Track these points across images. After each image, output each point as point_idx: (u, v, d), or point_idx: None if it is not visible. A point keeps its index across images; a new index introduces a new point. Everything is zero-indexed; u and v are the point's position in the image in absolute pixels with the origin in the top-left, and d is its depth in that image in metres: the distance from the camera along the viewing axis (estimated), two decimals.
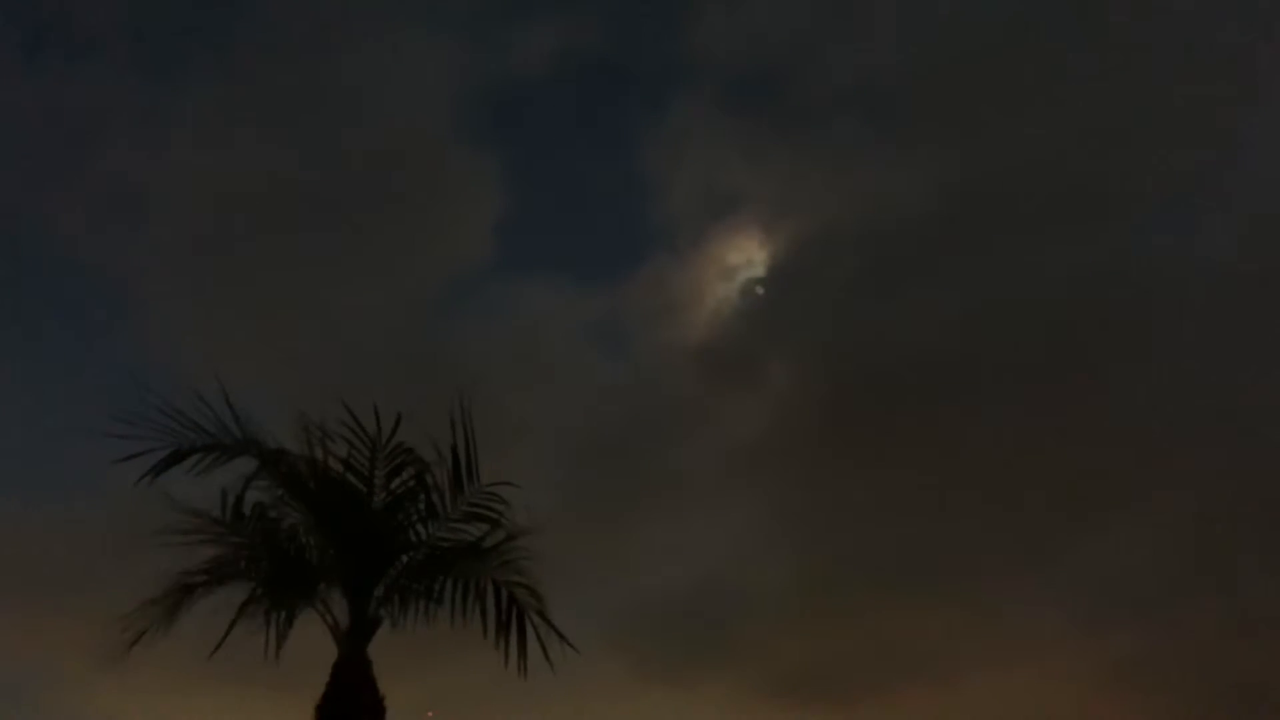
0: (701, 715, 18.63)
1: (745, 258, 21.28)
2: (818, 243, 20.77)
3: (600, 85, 21.26)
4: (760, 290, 20.92)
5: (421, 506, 8.07)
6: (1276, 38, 18.04)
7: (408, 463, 7.91)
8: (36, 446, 17.46)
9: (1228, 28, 18.33)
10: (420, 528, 8.16)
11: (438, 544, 8.17)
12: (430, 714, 9.55)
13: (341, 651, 7.79)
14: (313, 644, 7.85)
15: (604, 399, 20.20)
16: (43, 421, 18.04)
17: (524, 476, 8.19)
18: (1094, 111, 18.96)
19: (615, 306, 21.51)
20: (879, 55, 19.89)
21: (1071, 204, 19.08)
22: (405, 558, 8.13)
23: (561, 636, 7.58)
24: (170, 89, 19.94)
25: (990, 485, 17.86)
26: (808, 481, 19.04)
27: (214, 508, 8.03)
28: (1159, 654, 16.03)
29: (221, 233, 19.35)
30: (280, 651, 7.86)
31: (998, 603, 17.29)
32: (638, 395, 20.31)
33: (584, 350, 20.98)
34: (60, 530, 14.67)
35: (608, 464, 18.79)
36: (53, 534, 14.68)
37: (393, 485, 8.00)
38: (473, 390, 7.84)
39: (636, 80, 21.39)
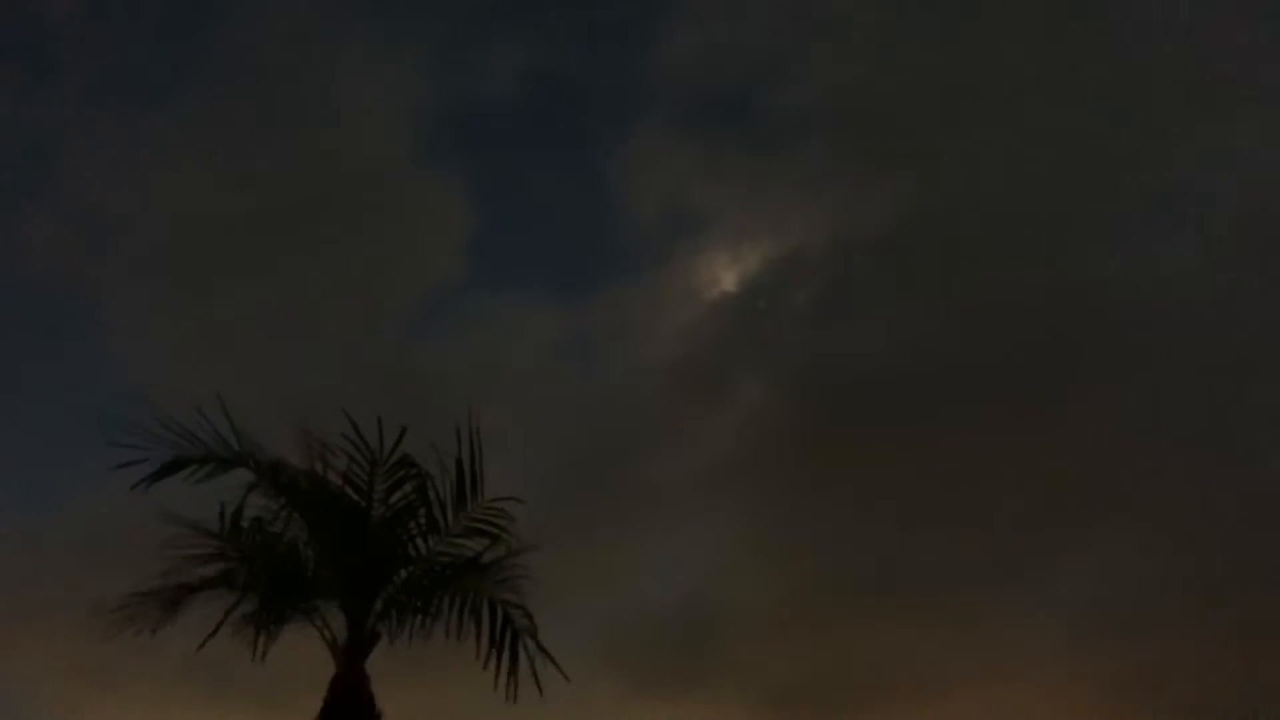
0: None
1: (715, 276, 21.50)
2: (787, 261, 21.02)
3: (568, 104, 21.36)
4: (762, 305, 21.01)
5: (422, 521, 8.02)
6: (1252, 48, 18.30)
7: (408, 477, 7.86)
8: (19, 457, 17.31)
9: (1201, 41, 18.61)
10: (420, 542, 8.10)
11: (437, 559, 8.12)
12: None
13: (339, 667, 7.72)
14: (310, 660, 7.78)
15: (576, 416, 20.23)
16: (23, 434, 17.83)
17: (499, 493, 8.15)
18: (1061, 127, 19.23)
19: (588, 324, 21.54)
20: (843, 76, 20.10)
21: (1040, 221, 19.31)
22: (404, 572, 8.07)
23: (553, 661, 7.50)
24: (137, 108, 19.80)
25: (975, 500, 17.96)
26: (787, 498, 19.04)
27: (210, 521, 7.96)
28: (1151, 668, 16.07)
29: (190, 253, 19.28)
30: (269, 663, 7.83)
31: (987, 617, 17.33)
32: (609, 412, 20.32)
33: (556, 367, 20.98)
34: (44, 544, 14.53)
35: (582, 480, 18.71)
36: (36, 549, 14.54)
37: (392, 499, 7.95)
38: (448, 408, 7.85)
39: (603, 100, 21.49)
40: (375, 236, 20.03)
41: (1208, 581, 15.86)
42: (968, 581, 17.23)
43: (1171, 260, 19.11)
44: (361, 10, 20.08)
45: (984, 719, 18.04)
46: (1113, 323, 18.31)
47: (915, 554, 17.51)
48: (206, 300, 19.11)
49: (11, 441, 17.52)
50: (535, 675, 7.42)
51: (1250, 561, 15.63)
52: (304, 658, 7.86)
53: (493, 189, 20.72)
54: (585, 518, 17.09)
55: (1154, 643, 16.23)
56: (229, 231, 19.05)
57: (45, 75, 19.41)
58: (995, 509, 17.87)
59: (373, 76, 19.72)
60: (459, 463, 7.82)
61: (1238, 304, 17.93)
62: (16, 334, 18.99)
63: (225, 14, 19.50)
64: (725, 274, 21.44)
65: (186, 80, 19.70)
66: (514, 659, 7.46)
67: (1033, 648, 16.85)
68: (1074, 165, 19.18)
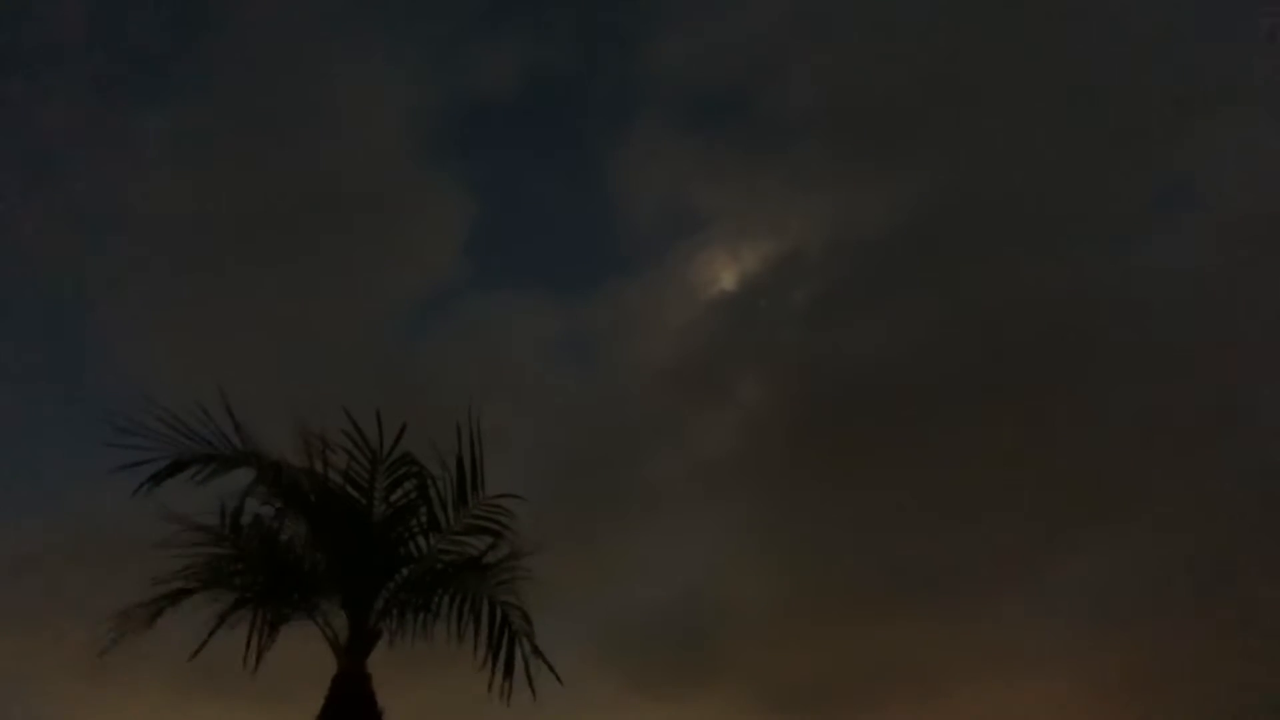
0: None
1: (714, 275, 21.60)
2: (786, 260, 21.17)
3: (567, 104, 21.53)
4: (761, 304, 21.04)
5: (423, 519, 8.03)
6: (1254, 46, 18.31)
7: (409, 475, 7.88)
8: (20, 456, 17.34)
9: (1193, 43, 18.67)
10: (421, 540, 8.11)
11: (438, 557, 8.12)
12: None
13: (340, 665, 7.72)
14: (312, 658, 7.79)
15: (576, 415, 20.32)
16: (23, 434, 17.86)
17: (499, 492, 8.16)
18: (1061, 127, 19.30)
19: (587, 323, 21.69)
20: (843, 76, 20.19)
21: (1041, 221, 19.39)
22: (405, 571, 8.07)
23: (549, 666, 7.52)
24: (137, 108, 19.95)
25: (975, 500, 17.99)
26: (786, 497, 19.13)
27: (210, 519, 7.94)
28: (1152, 665, 16.13)
29: (190, 253, 19.38)
30: (270, 661, 7.83)
31: (987, 616, 17.39)
32: (609, 412, 20.43)
33: (556, 367, 21.15)
34: (45, 544, 14.53)
35: (582, 480, 18.78)
36: (36, 548, 14.54)
37: (393, 498, 7.97)
38: (447, 407, 7.87)
39: (602, 99, 21.66)
40: (375, 236, 20.15)
41: (1207, 581, 15.91)
42: (968, 581, 17.30)
43: (1171, 260, 19.20)
44: (361, 10, 20.16)
45: (985, 716, 18.04)
46: (1113, 323, 18.36)
47: (915, 554, 17.56)
48: (206, 300, 19.18)
49: (12, 441, 17.59)
50: (529, 678, 7.44)
51: (1250, 561, 15.66)
52: (305, 656, 7.88)
53: (492, 188, 20.91)
54: (585, 518, 17.15)
55: (1154, 643, 16.27)
56: (229, 231, 19.15)
57: (47, 75, 19.49)
58: (995, 508, 17.92)
59: (373, 76, 19.83)
60: (459, 460, 7.85)
61: (1237, 304, 18.00)
62: (16, 333, 19.07)
63: (225, 14, 19.59)
64: (724, 273, 21.60)
65: (186, 80, 19.79)
66: (510, 661, 7.48)
67: (1033, 647, 16.89)
68: (1074, 165, 19.27)
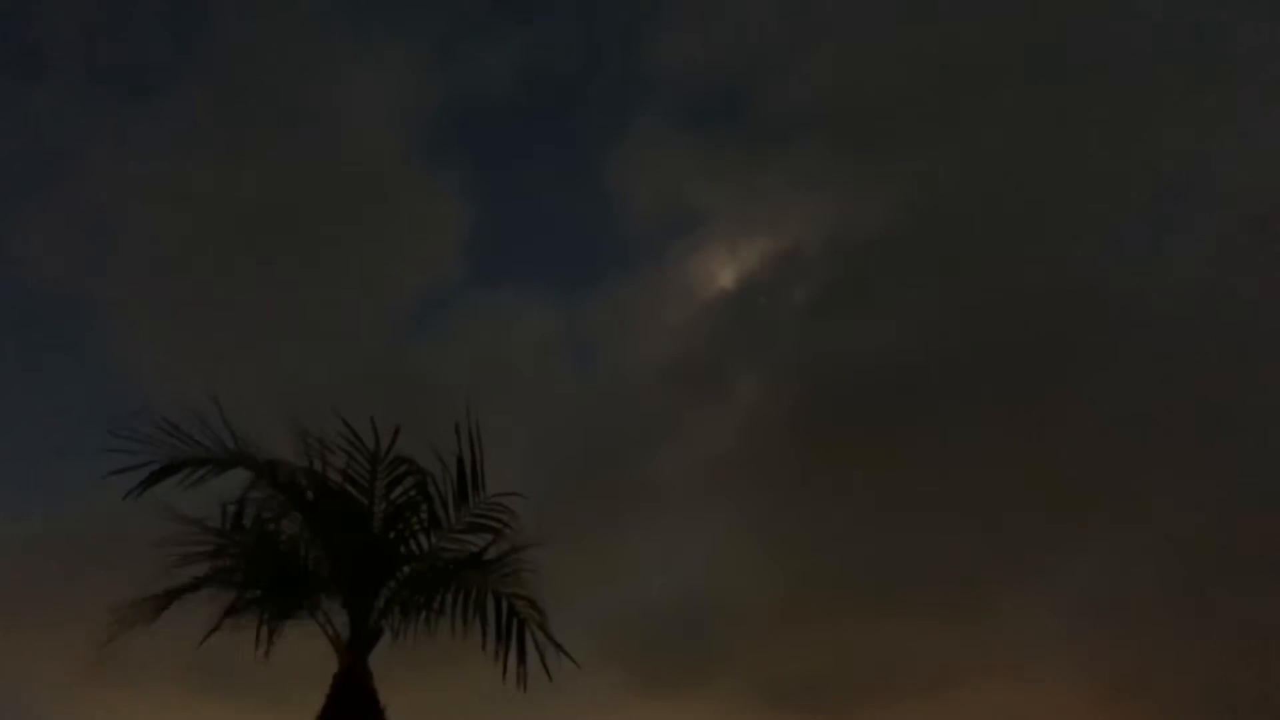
0: None
1: (713, 273, 21.60)
2: (785, 258, 21.13)
3: (565, 102, 21.48)
4: (760, 302, 21.05)
5: (423, 517, 8.04)
6: (1255, 44, 18.34)
7: (408, 473, 7.89)
8: (20, 457, 17.36)
9: (1192, 44, 18.69)
10: (422, 538, 8.12)
11: (439, 555, 8.13)
12: None
13: (342, 663, 7.74)
14: (313, 657, 7.80)
15: (574, 413, 20.34)
16: (24, 435, 17.88)
17: (499, 490, 8.17)
18: (1062, 125, 19.31)
19: (585, 321, 21.64)
20: (841, 74, 20.17)
21: (1040, 219, 19.41)
22: (406, 569, 8.08)
23: (562, 650, 7.54)
24: (134, 109, 19.93)
25: (976, 498, 17.99)
26: (786, 495, 19.07)
27: (212, 519, 7.96)
28: (1154, 665, 16.12)
29: (190, 253, 19.38)
30: (271, 659, 7.85)
31: (988, 615, 17.37)
32: (608, 410, 20.42)
33: (555, 365, 21.15)
34: (47, 544, 14.55)
35: (581, 478, 18.77)
36: (38, 548, 14.56)
37: (393, 496, 7.97)
38: (446, 406, 7.88)
39: (601, 97, 21.60)
40: (374, 235, 20.18)
41: (1207, 581, 15.91)
42: (968, 579, 17.29)
43: (1172, 259, 19.22)
44: (360, 9, 20.19)
45: (985, 717, 18.06)
46: (1113, 322, 18.37)
47: (915, 552, 17.56)
48: (206, 301, 19.20)
49: (12, 442, 17.60)
50: (545, 665, 7.46)
51: (1250, 561, 15.68)
52: (307, 654, 7.89)
53: (490, 187, 20.90)
54: (584, 515, 17.14)
55: (1154, 642, 16.27)
56: (229, 231, 19.18)
57: (45, 75, 19.51)
58: (995, 506, 17.92)
59: (372, 76, 19.86)
60: (459, 459, 7.84)
61: (1238, 303, 18.00)
62: (16, 335, 19.08)
63: (225, 13, 19.61)
64: (723, 271, 21.55)
65: (186, 80, 19.81)
66: (521, 650, 7.50)
67: (1034, 646, 16.88)
68: (1074, 164, 19.28)
